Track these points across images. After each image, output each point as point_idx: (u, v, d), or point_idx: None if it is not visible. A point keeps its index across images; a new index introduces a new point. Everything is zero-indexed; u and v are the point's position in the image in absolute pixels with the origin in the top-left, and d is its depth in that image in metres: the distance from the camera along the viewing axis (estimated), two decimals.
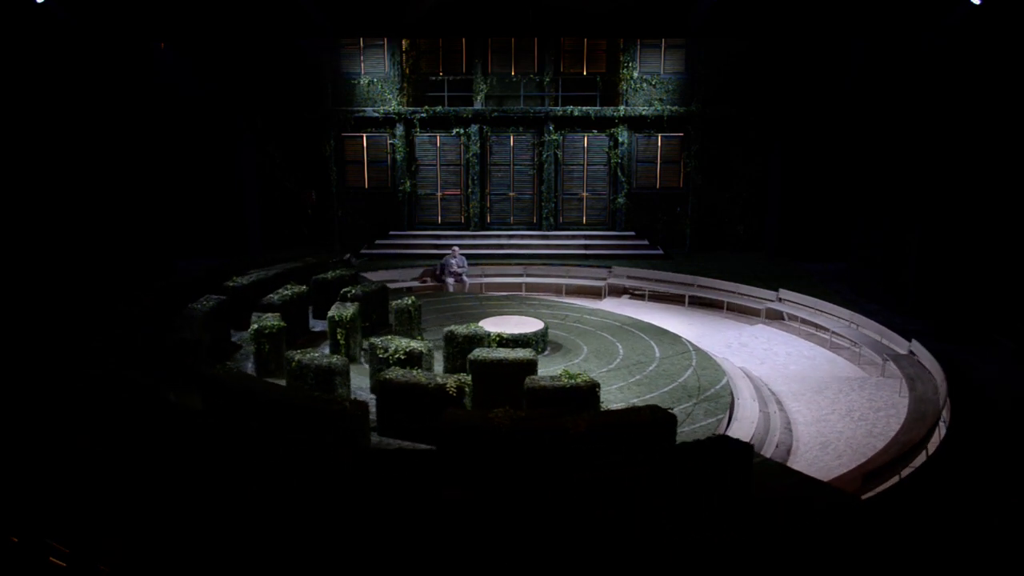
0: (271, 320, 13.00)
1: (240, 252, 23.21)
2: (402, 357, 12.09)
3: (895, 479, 10.04)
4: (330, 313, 13.62)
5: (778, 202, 23.65)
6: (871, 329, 16.16)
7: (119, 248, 21.54)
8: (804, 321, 17.84)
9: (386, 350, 12.25)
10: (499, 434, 9.20)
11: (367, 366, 13.41)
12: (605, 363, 14.31)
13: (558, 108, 23.85)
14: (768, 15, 20.86)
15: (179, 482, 8.54)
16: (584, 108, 23.77)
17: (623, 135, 23.97)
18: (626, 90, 23.97)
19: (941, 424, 11.82)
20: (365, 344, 14.64)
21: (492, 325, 14.82)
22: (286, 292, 14.78)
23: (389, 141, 24.29)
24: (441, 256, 22.35)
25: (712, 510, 8.25)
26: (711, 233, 24.61)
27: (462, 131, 24.12)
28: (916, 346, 14.67)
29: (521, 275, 20.73)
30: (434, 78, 24.22)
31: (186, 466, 8.78)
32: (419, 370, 11.60)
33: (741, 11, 20.83)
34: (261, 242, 24.18)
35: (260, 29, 21.48)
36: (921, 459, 10.71)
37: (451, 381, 10.95)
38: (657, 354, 15.09)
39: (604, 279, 20.51)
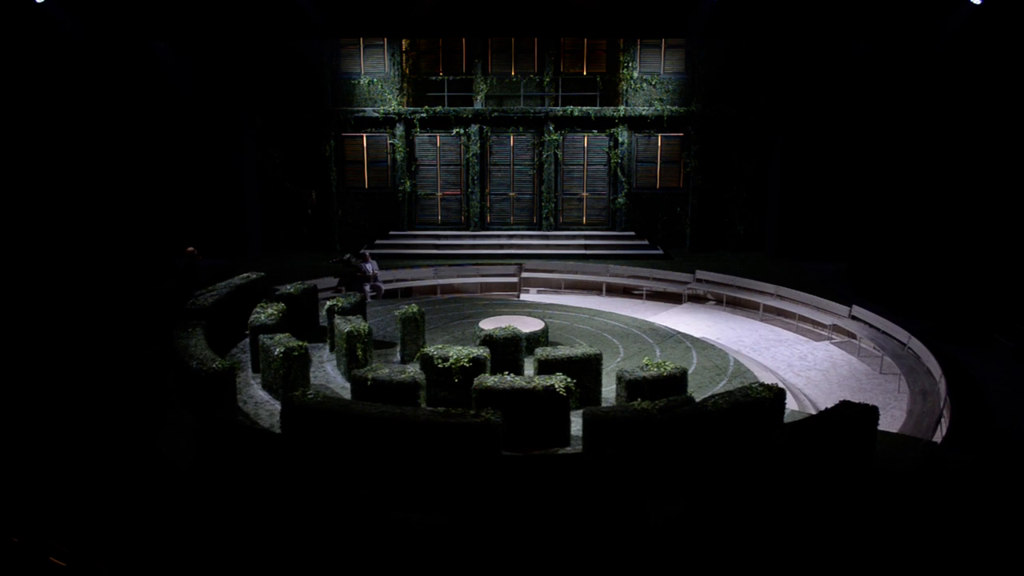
0: (292, 341, 12.48)
1: (240, 252, 23.20)
2: (467, 365, 11.90)
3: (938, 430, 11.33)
4: (347, 328, 13.23)
5: (778, 202, 23.63)
6: (804, 300, 17.28)
7: (120, 248, 21.55)
8: (730, 299, 18.68)
9: (445, 359, 11.97)
10: (652, 424, 9.62)
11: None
12: (615, 353, 14.59)
13: (558, 108, 23.84)
14: (768, 15, 20.84)
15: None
16: (584, 108, 23.77)
17: (623, 135, 23.96)
18: (626, 90, 23.96)
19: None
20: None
21: (490, 325, 14.84)
22: (271, 311, 14.14)
23: (389, 141, 24.28)
24: (438, 256, 22.41)
25: (853, 463, 9.50)
26: (711, 233, 24.60)
27: (462, 131, 24.11)
28: (859, 311, 15.94)
29: (432, 276, 20.16)
30: (434, 78, 24.21)
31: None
32: (511, 375, 11.50)
33: (741, 11, 20.81)
34: (261, 242, 24.18)
35: (260, 29, 21.46)
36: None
37: (557, 382, 10.94)
38: (651, 341, 15.68)
39: (515, 275, 20.41)
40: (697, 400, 10.65)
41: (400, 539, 8.13)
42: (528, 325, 14.74)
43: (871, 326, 15.56)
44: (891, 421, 11.91)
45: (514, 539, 8.00)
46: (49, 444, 10.36)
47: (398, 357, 14.62)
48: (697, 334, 16.47)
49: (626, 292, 20.18)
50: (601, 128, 24.07)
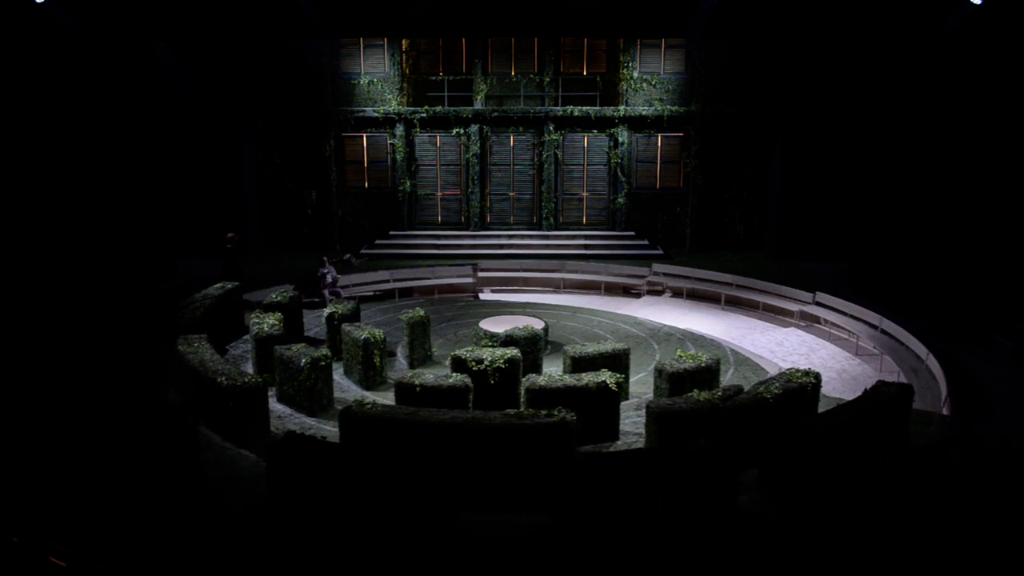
0: (316, 351, 12.31)
1: (240, 252, 23.17)
2: (503, 366, 11.90)
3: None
4: (364, 336, 13.10)
5: (778, 202, 23.63)
6: (766, 288, 18.17)
7: (120, 248, 21.53)
8: (690, 292, 19.35)
9: (480, 361, 11.92)
10: (719, 414, 10.12)
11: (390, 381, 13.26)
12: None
13: (558, 108, 23.84)
14: (768, 15, 20.84)
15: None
16: (584, 108, 23.76)
17: (623, 135, 23.95)
18: (626, 90, 23.95)
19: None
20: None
21: (492, 326, 14.86)
22: (271, 320, 13.89)
23: (389, 141, 24.27)
24: (438, 256, 22.38)
25: (894, 437, 10.53)
26: (711, 233, 24.60)
27: (462, 131, 24.10)
28: (823, 296, 16.83)
29: (388, 280, 19.64)
30: (434, 78, 24.21)
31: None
32: (558, 373, 11.61)
33: (741, 11, 20.81)
34: (261, 242, 24.16)
35: (260, 29, 21.45)
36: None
37: (608, 378, 11.10)
38: (643, 335, 16.10)
39: (471, 276, 20.29)
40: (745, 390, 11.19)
41: (488, 542, 8.22)
42: (532, 324, 14.75)
43: (838, 311, 16.34)
44: None
45: (601, 537, 8.17)
46: (57, 452, 10.20)
47: (403, 362, 14.56)
48: (676, 323, 17.15)
49: (583, 288, 20.48)
50: (601, 128, 24.07)
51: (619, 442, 11.09)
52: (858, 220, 21.98)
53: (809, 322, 17.15)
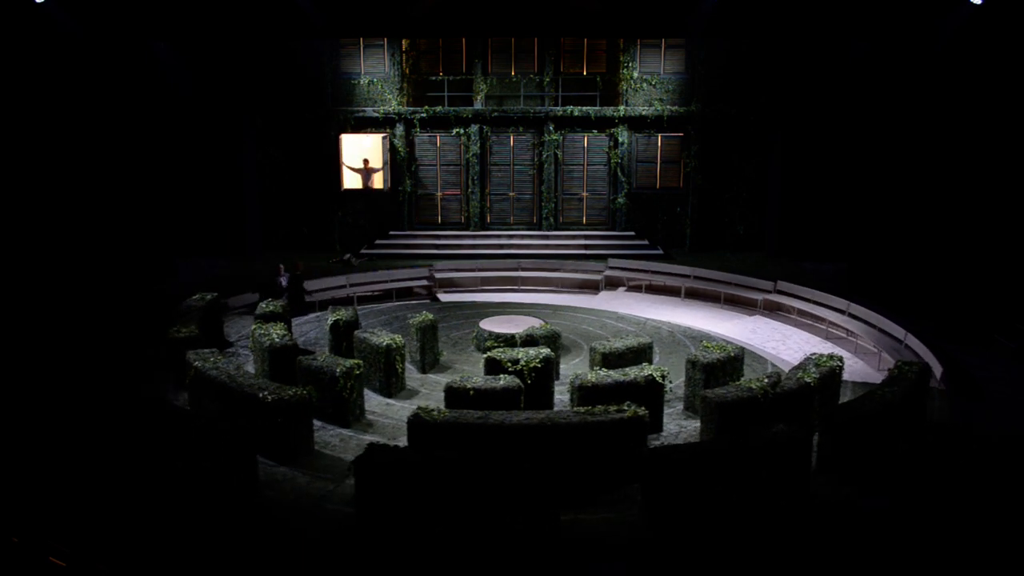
0: (346, 360, 12.16)
1: (240, 252, 23.20)
2: (539, 365, 11.93)
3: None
4: (386, 342, 12.90)
5: (778, 202, 23.63)
6: (726, 279, 18.84)
7: (121, 248, 21.55)
8: (650, 286, 19.96)
9: (515, 362, 11.93)
10: (771, 401, 10.73)
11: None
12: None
13: (558, 108, 23.84)
14: (768, 15, 20.85)
15: None
16: (584, 108, 23.76)
17: (623, 135, 23.95)
18: (626, 90, 23.95)
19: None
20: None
21: (494, 326, 14.87)
22: (279, 330, 13.57)
23: (390, 141, 24.28)
24: (439, 256, 22.37)
25: (917, 413, 11.12)
26: (711, 233, 24.59)
27: (462, 131, 24.09)
28: (784, 285, 17.50)
29: (344, 285, 19.09)
30: (434, 78, 24.20)
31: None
32: (604, 370, 11.84)
33: (741, 11, 20.81)
34: (261, 242, 24.16)
35: (260, 29, 21.46)
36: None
37: (654, 371, 11.33)
38: (632, 329, 16.34)
39: (425, 277, 20.22)
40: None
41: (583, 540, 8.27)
42: (526, 324, 14.74)
43: (802, 298, 16.92)
44: (877, 376, 13.46)
45: (695, 527, 8.31)
46: (64, 455, 10.05)
47: (410, 367, 14.39)
48: (651, 314, 17.69)
49: (544, 283, 20.75)
50: (601, 128, 24.07)
51: (663, 433, 11.39)
52: (858, 220, 21.99)
53: (772, 310, 17.71)
